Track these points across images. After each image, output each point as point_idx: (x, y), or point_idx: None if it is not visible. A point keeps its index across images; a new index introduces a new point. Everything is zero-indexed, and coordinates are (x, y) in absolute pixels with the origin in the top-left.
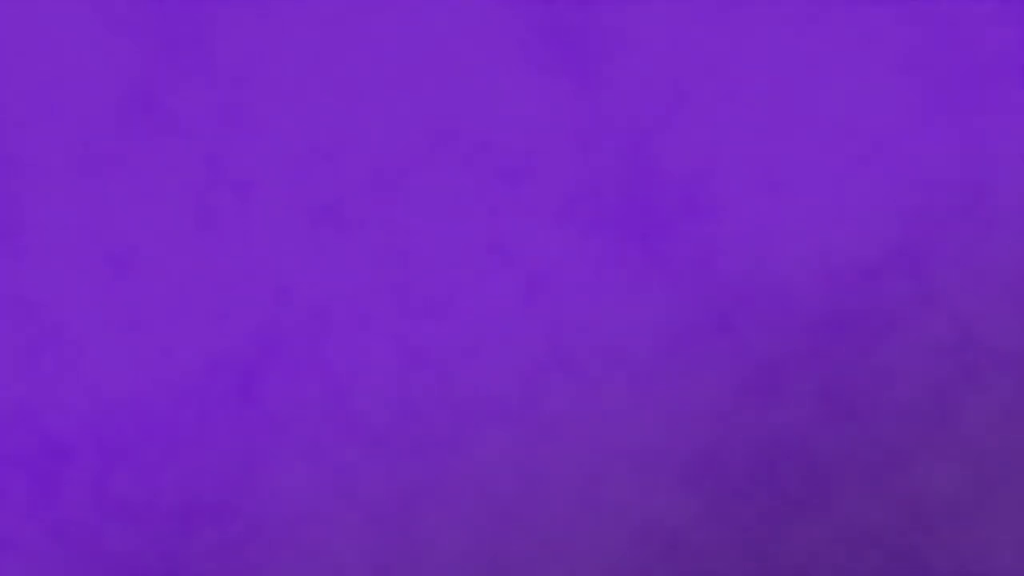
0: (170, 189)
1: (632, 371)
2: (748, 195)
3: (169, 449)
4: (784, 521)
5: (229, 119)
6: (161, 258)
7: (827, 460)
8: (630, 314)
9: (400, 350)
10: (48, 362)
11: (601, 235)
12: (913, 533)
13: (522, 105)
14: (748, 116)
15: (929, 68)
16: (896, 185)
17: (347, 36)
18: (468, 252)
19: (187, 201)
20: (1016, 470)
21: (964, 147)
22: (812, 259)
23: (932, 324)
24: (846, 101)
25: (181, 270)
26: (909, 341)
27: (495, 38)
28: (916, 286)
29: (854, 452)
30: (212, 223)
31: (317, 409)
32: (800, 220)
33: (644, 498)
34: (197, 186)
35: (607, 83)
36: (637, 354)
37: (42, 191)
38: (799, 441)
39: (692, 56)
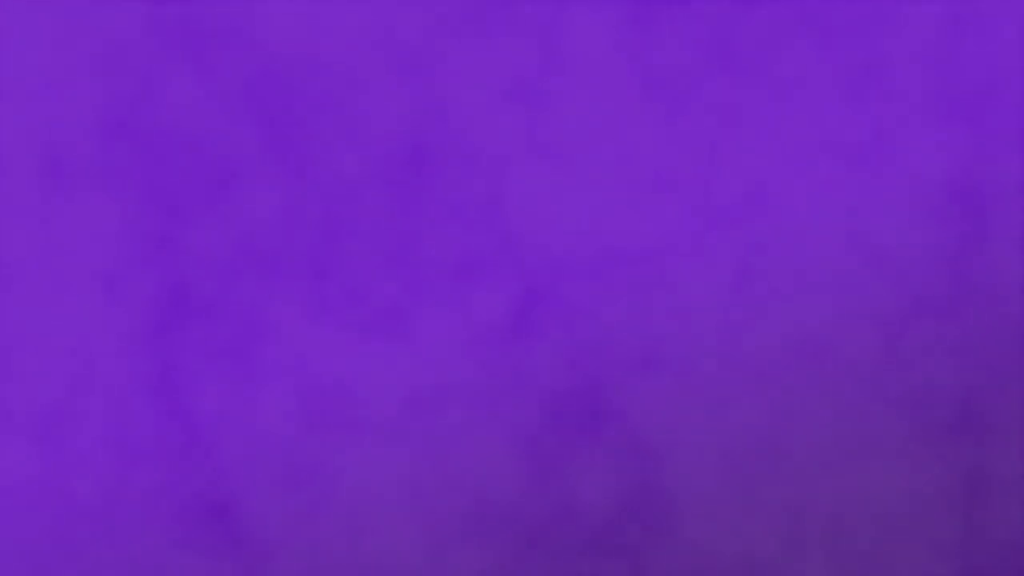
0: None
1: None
2: (744, 195)
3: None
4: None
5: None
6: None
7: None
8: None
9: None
10: None
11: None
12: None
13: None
14: (747, 116)
15: (930, 68)
16: (896, 185)
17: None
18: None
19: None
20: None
21: (965, 148)
22: (812, 258)
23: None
24: (847, 101)
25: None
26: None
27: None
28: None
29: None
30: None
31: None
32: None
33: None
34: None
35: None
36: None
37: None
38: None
39: (693, 54)
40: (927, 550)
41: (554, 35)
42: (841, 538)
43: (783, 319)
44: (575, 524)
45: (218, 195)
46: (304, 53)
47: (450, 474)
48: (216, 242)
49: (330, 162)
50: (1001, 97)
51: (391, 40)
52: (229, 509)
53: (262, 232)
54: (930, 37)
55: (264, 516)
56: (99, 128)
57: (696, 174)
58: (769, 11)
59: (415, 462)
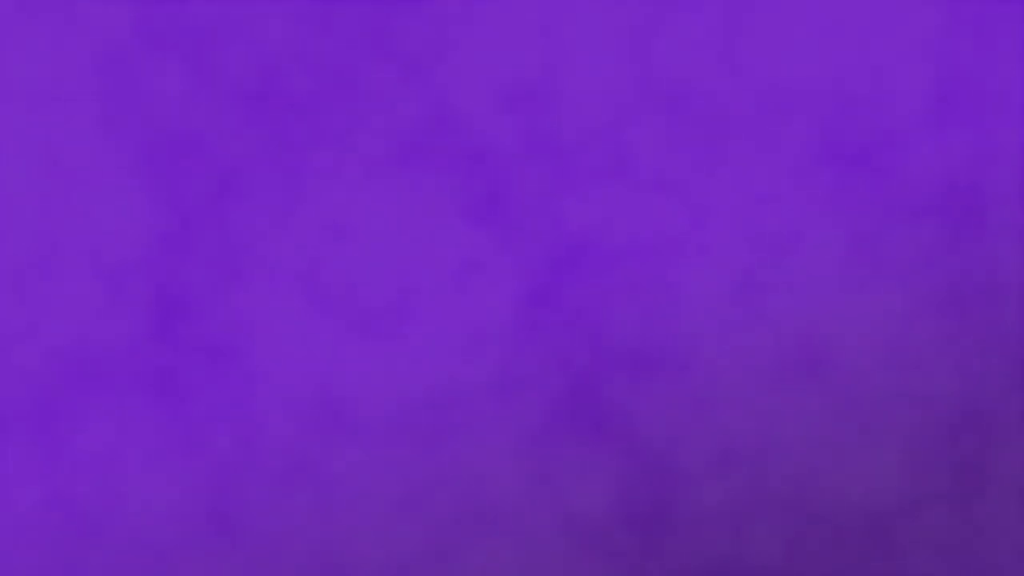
0: None
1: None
2: (742, 191)
3: None
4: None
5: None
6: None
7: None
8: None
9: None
10: None
11: None
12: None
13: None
14: (748, 116)
15: (935, 64)
16: (896, 181)
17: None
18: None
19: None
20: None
21: (967, 145)
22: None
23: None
24: (849, 90)
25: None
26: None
27: None
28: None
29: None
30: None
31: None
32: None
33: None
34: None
35: None
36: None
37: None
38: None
39: (697, 42)
40: (926, 549)
41: (553, 33)
42: (840, 538)
43: (783, 319)
44: (575, 525)
45: (217, 195)
46: (302, 50)
47: (449, 475)
48: (215, 242)
49: (329, 161)
50: (1001, 98)
51: (391, 39)
52: (229, 509)
53: (261, 232)
54: (930, 38)
55: (264, 516)
56: (99, 126)
57: (696, 174)
58: (769, 11)
59: (414, 462)
